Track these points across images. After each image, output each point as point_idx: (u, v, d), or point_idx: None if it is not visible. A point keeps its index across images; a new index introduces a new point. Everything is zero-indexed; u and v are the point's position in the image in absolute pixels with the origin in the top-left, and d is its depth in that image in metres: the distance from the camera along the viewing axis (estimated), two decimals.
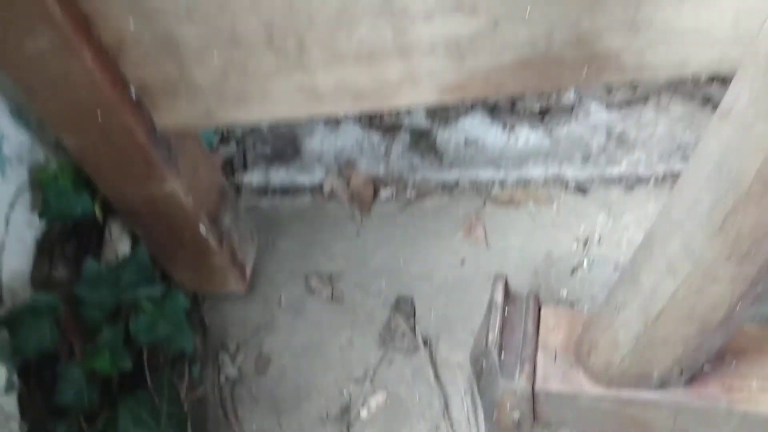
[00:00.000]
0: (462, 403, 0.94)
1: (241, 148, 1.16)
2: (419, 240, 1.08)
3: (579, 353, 0.76)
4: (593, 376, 0.75)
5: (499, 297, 0.81)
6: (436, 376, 0.97)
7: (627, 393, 0.74)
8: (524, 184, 1.08)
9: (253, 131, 1.17)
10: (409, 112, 1.12)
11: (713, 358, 0.74)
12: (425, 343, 1.00)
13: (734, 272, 0.56)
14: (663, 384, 0.72)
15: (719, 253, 0.55)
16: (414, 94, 0.74)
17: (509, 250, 1.04)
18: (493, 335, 0.78)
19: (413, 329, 1.01)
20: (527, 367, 0.77)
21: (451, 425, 0.93)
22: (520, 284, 0.99)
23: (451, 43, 0.68)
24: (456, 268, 1.04)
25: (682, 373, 0.71)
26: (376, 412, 0.97)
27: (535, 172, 1.09)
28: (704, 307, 0.60)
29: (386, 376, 0.98)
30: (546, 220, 1.06)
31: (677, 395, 0.73)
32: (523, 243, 1.04)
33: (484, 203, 1.09)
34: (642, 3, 0.64)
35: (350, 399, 0.98)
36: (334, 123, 1.14)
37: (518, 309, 0.82)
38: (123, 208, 0.90)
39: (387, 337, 1.02)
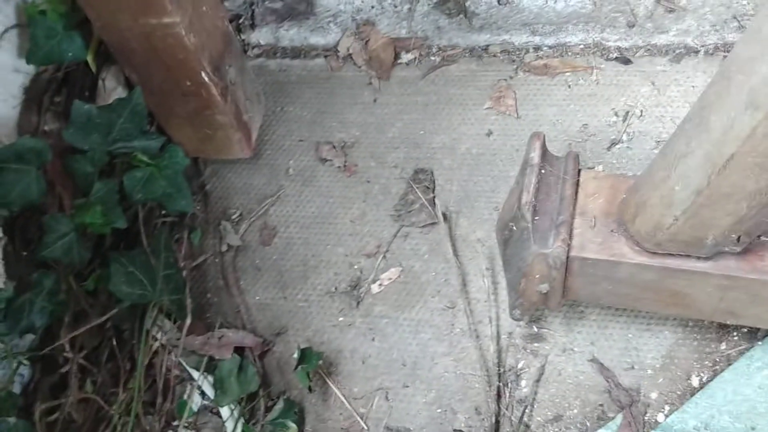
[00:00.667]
0: (483, 281, 0.87)
1: (248, 2, 1.05)
2: (442, 109, 0.99)
3: (622, 218, 0.68)
4: (637, 243, 0.67)
5: (536, 155, 0.72)
6: (455, 251, 0.89)
7: (674, 261, 0.66)
8: (562, 51, 0.98)
9: None
10: None
11: None
12: (444, 217, 0.92)
13: None
14: (716, 252, 0.64)
15: None
16: None
17: (542, 122, 0.94)
18: (527, 196, 0.70)
19: (432, 203, 0.93)
20: (563, 232, 0.69)
21: (468, 303, 0.86)
22: None
23: None
24: (482, 139, 0.95)
25: (739, 240, 0.63)
26: (388, 286, 0.90)
27: (575, 38, 0.98)
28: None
29: (401, 250, 0.91)
30: (583, 91, 0.96)
31: (730, 266, 0.65)
32: (557, 115, 0.95)
33: (516, 71, 0.98)
34: None
35: (361, 273, 0.91)
36: None
37: (555, 170, 0.73)
38: (117, 45, 0.80)
39: (403, 210, 0.94)
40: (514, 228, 0.73)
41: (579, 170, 0.74)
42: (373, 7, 1.03)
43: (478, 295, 0.87)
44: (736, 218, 0.61)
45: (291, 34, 1.05)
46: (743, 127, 0.53)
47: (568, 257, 0.70)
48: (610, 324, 0.82)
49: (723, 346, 0.79)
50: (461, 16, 1.01)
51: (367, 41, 1.03)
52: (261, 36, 1.05)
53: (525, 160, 0.74)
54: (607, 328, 0.82)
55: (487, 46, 1.00)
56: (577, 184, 0.73)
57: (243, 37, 1.06)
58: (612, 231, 0.70)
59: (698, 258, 0.67)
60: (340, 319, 0.89)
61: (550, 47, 0.98)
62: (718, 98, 0.55)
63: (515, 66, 0.99)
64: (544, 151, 0.75)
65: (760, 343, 0.80)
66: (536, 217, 0.71)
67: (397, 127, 0.99)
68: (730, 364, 0.78)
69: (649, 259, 0.69)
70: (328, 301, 0.90)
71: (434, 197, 0.94)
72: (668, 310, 0.74)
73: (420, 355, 0.85)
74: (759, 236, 0.67)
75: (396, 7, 1.02)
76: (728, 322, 0.73)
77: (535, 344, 0.83)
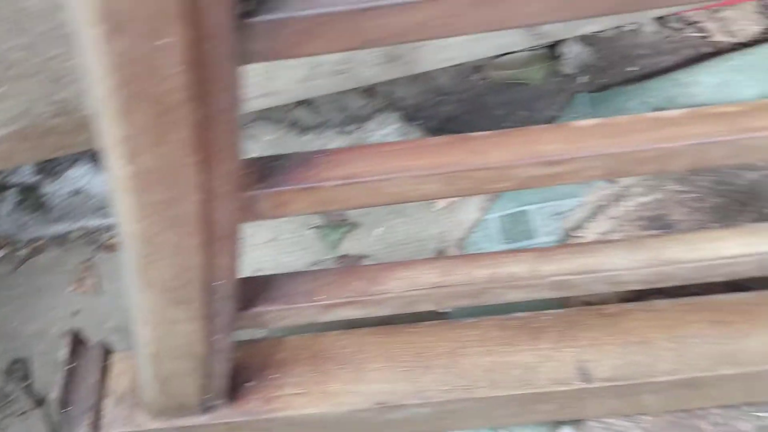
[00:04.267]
0: None
1: None
2: (32, 298, 1.08)
3: (137, 393, 0.82)
4: (150, 413, 0.81)
5: (64, 353, 0.84)
6: None
7: (180, 422, 0.80)
8: None
9: None
10: (14, 170, 1.11)
11: (256, 374, 0.83)
12: (41, 402, 1.00)
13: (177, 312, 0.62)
14: (208, 408, 0.79)
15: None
16: None
17: (122, 293, 1.07)
18: (57, 392, 0.81)
19: (28, 390, 1.01)
20: (90, 416, 0.80)
21: None
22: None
23: None
24: (70, 320, 1.06)
25: (218, 396, 0.78)
26: None
27: None
28: (182, 344, 0.67)
29: None
30: None
31: (224, 415, 0.81)
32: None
33: (96, 251, 1.11)
34: None
35: None
36: None
37: (87, 360, 0.85)
38: None
39: (2, 403, 1.01)
40: (55, 420, 0.84)
41: (108, 354, 0.87)
42: None
43: None
44: (196, 386, 0.76)
45: None
46: (146, 334, 0.68)
47: None
48: None
49: None
50: (42, 210, 1.12)
51: None
52: None
53: (59, 358, 0.86)
54: None
55: (68, 232, 1.12)
56: (106, 368, 0.85)
57: None
58: (134, 406, 0.83)
59: (198, 414, 0.82)
60: None
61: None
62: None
63: (95, 247, 1.12)
64: (77, 345, 0.87)
65: None
66: (67, 408, 0.83)
67: None
68: None
69: (163, 423, 0.83)
70: None
71: (30, 384, 1.02)
72: None
73: None
74: (243, 384, 0.84)
75: None
76: None
77: None
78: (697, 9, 1.11)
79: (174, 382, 0.73)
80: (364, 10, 0.42)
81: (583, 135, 0.55)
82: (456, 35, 0.43)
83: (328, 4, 0.42)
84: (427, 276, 0.67)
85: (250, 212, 0.55)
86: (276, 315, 0.68)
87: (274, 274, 0.69)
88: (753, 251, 0.65)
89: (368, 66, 0.77)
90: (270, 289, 0.68)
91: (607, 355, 0.79)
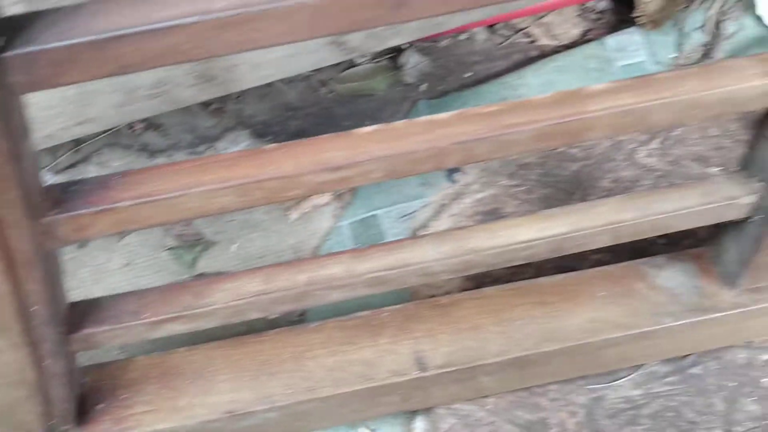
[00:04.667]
0: None
1: None
2: None
3: None
4: None
5: None
6: None
7: None
8: None
9: None
10: None
11: (106, 396, 0.84)
12: None
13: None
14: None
15: None
16: None
17: None
18: None
19: None
20: None
21: None
22: None
23: None
24: None
25: (65, 421, 0.79)
26: None
27: None
28: (10, 372, 0.68)
29: None
30: None
31: None
32: None
33: None
34: None
35: None
36: None
37: None
38: None
39: None
40: None
41: None
42: None
43: None
44: (35, 415, 0.76)
45: None
46: None
47: None
48: None
49: None
50: None
51: None
52: None
53: None
54: None
55: None
56: None
57: None
58: None
59: None
60: None
61: None
62: None
63: None
64: None
65: None
66: None
67: None
68: None
69: None
70: None
71: None
72: None
73: None
74: (95, 407, 0.85)
75: None
76: None
77: None
78: (522, 16, 1.19)
79: (12, 411, 0.73)
80: (116, 38, 0.45)
81: (364, 141, 0.59)
82: (209, 56, 0.47)
83: (80, 35, 0.45)
84: (251, 285, 0.70)
85: (51, 238, 0.57)
86: (106, 336, 0.70)
87: (103, 297, 0.71)
88: (546, 235, 0.71)
89: (184, 87, 0.80)
90: (98, 311, 0.70)
91: (441, 343, 0.84)
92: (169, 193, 0.56)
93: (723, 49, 1.17)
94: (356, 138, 0.59)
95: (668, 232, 0.74)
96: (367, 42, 0.87)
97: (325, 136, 0.59)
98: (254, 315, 0.71)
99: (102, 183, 0.57)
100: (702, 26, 1.13)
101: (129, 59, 0.46)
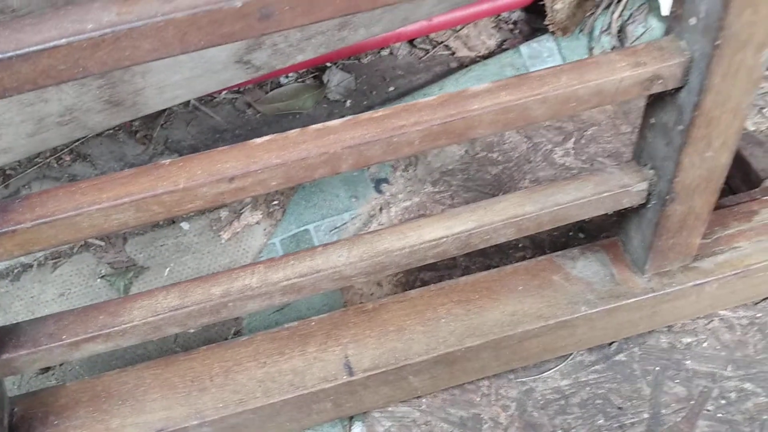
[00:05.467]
0: None
1: None
2: None
3: None
4: None
5: None
6: None
7: None
8: None
9: None
10: None
11: (38, 424, 0.84)
12: None
13: None
14: None
15: None
16: None
17: None
18: None
19: None
20: None
21: None
22: None
23: None
24: None
25: None
26: None
27: None
28: None
29: None
30: None
31: None
32: None
33: None
34: None
35: None
36: None
37: None
38: None
39: None
40: None
41: None
42: None
43: None
44: None
45: None
46: None
47: None
48: None
49: None
50: None
51: None
52: None
53: None
54: None
55: None
56: None
57: None
58: None
59: None
60: None
61: None
62: None
63: None
64: None
65: None
66: None
67: None
68: None
69: None
70: None
71: None
72: None
73: None
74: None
75: None
76: None
77: None
78: (441, 29, 1.23)
79: None
80: None
81: (258, 151, 0.62)
82: (86, 75, 0.49)
83: None
84: (167, 301, 0.72)
85: None
86: (26, 359, 0.71)
87: (21, 322, 0.72)
88: (452, 232, 0.74)
89: (94, 113, 0.81)
90: (16, 336, 0.71)
91: (367, 347, 0.86)
92: (68, 212, 0.58)
93: None
94: (250, 148, 0.61)
95: (569, 222, 0.77)
96: (271, 60, 0.90)
97: (219, 148, 0.62)
98: (172, 330, 0.72)
99: (3, 207, 0.59)
100: (607, 30, 1.18)
101: (6, 83, 0.48)
